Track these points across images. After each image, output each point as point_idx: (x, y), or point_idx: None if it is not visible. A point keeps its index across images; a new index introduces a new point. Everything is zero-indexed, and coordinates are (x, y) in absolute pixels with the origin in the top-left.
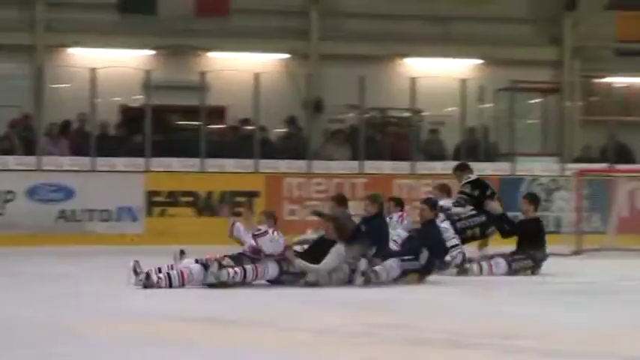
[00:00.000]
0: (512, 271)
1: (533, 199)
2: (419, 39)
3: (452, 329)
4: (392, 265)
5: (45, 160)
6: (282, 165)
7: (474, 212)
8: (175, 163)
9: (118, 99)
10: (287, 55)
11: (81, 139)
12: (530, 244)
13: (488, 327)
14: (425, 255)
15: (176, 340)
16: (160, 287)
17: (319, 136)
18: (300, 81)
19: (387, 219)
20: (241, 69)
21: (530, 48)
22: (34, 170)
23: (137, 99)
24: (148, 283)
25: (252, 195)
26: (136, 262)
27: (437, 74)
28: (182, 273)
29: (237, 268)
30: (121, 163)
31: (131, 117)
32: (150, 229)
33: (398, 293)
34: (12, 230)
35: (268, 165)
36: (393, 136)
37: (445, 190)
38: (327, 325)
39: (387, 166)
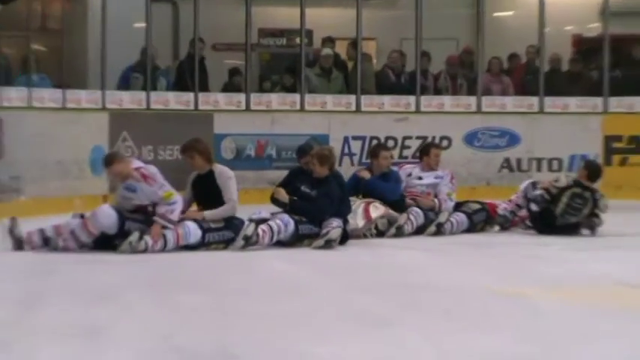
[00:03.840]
0: None
1: None
2: None
3: None
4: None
5: (485, 100)
6: None
7: None
8: (638, 103)
9: (571, 28)
10: None
11: (528, 75)
12: None
13: None
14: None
15: None
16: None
17: None
18: None
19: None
20: None
21: None
22: (474, 112)
23: (593, 28)
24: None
25: None
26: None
27: None
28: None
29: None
30: (574, 103)
31: (586, 49)
32: (608, 181)
33: None
34: None
35: None
36: None
37: None
38: None
39: None
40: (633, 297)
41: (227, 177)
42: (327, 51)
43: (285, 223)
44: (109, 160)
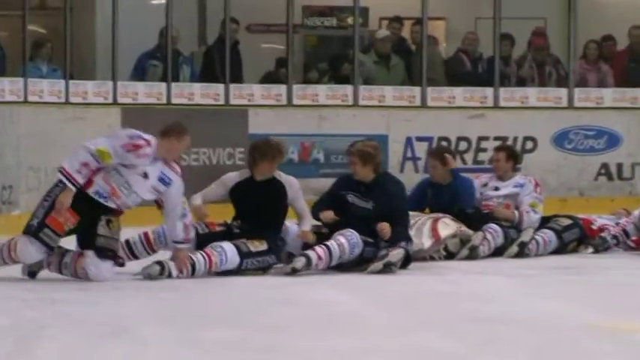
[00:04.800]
0: None
1: None
2: None
3: None
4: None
5: (579, 93)
6: None
7: None
8: None
9: None
10: None
11: (631, 63)
12: None
13: None
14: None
15: None
16: None
17: None
18: None
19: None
20: None
21: None
22: (564, 108)
23: None
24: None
25: None
26: None
27: None
28: None
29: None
30: None
31: None
32: None
33: None
34: None
35: None
36: None
37: None
38: None
39: None
40: None
41: (298, 187)
42: (383, 32)
43: (352, 245)
44: (185, 130)
